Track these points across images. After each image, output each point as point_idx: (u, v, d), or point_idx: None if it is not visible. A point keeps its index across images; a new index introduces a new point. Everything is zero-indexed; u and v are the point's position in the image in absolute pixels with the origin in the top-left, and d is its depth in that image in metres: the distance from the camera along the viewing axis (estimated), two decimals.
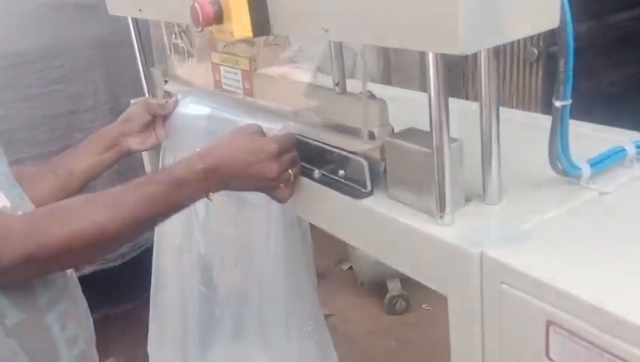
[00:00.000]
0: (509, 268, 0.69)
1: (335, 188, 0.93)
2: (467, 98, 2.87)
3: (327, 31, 0.81)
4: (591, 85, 3.88)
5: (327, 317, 2.94)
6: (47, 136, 2.63)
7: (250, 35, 0.91)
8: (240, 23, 0.90)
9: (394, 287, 2.65)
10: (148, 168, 1.64)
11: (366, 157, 0.89)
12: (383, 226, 0.85)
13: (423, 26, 0.66)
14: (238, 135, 0.96)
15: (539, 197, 0.82)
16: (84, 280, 1.19)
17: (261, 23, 0.91)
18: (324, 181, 0.96)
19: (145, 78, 1.55)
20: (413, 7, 0.66)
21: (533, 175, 0.87)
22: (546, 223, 0.76)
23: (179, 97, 1.32)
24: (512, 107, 3.06)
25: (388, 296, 2.69)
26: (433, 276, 0.79)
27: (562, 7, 0.69)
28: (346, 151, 0.92)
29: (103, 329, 1.34)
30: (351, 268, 2.99)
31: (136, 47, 1.53)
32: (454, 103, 0.76)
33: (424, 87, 0.74)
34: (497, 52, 0.74)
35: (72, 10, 2.56)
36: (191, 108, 1.28)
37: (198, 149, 0.94)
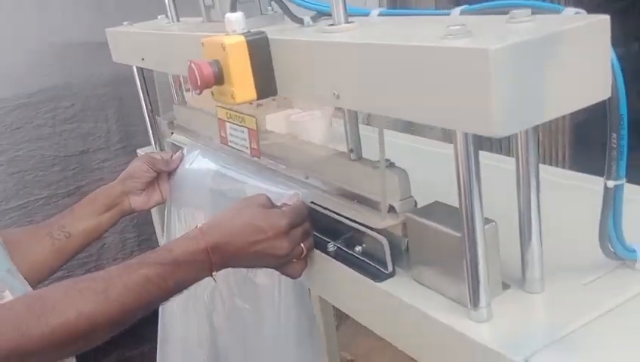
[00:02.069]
0: None
1: (351, 266, 0.83)
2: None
3: (338, 97, 0.71)
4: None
5: (348, 361, 2.82)
6: (58, 176, 2.57)
7: (255, 97, 0.82)
8: (242, 85, 0.81)
9: None
10: (156, 221, 1.56)
11: (386, 234, 0.79)
12: (407, 315, 0.74)
13: (449, 103, 0.56)
14: (244, 208, 0.86)
15: (589, 285, 0.71)
16: None
17: (266, 84, 0.83)
18: (340, 256, 0.86)
19: (151, 128, 1.48)
20: (437, 82, 0.56)
21: (579, 254, 0.76)
22: (600, 320, 0.65)
23: (184, 151, 1.24)
24: (537, 139, 2.89)
25: None
26: None
27: (614, 75, 0.59)
28: (363, 225, 0.82)
29: None
30: None
31: (141, 96, 1.47)
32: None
33: (447, 131, 0.64)
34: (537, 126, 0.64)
35: (83, 49, 2.51)
36: (197, 164, 1.20)
37: (199, 225, 0.85)
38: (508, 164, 0.90)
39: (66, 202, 2.47)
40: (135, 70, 1.44)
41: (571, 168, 1.44)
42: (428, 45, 0.57)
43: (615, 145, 0.62)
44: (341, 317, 2.88)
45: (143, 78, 1.45)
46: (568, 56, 0.55)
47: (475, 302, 0.67)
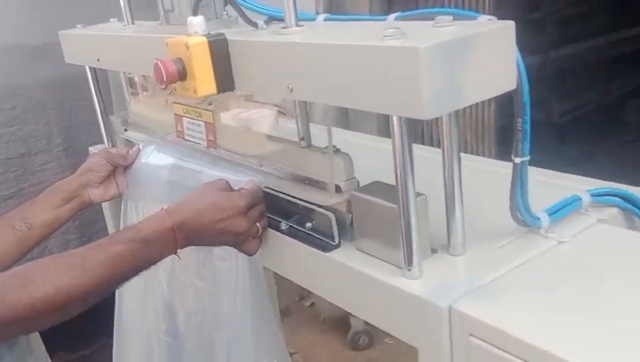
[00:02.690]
0: (476, 320, 0.71)
1: (302, 241, 0.94)
2: (424, 135, 2.94)
3: (292, 90, 0.82)
4: (543, 116, 4.04)
5: (291, 354, 2.92)
6: None
7: (215, 91, 0.92)
8: (204, 81, 0.91)
9: (357, 323, 2.66)
10: (108, 218, 1.62)
11: (333, 210, 0.91)
12: (352, 278, 0.86)
13: (387, 92, 0.68)
14: (206, 191, 0.96)
15: (502, 248, 0.85)
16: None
17: (225, 80, 0.93)
18: (292, 233, 0.97)
19: (104, 126, 1.54)
20: (378, 74, 0.69)
21: (496, 224, 0.89)
22: (509, 274, 0.79)
23: (140, 146, 1.31)
24: (466, 140, 3.16)
25: (351, 331, 2.70)
26: (403, 328, 0.81)
27: (518, 70, 0.72)
28: (313, 204, 0.93)
29: None
30: (313, 304, 2.99)
31: (94, 94, 1.53)
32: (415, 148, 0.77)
33: (381, 128, 0.77)
34: (457, 114, 0.77)
35: (25, 51, 2.53)
36: (153, 158, 1.28)
37: (165, 206, 0.94)
38: (437, 154, 1.04)
39: (8, 204, 2.48)
40: (88, 70, 1.50)
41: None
42: (370, 44, 0.69)
43: (520, 128, 0.76)
44: (284, 312, 2.99)
45: (96, 77, 1.51)
46: (482, 53, 0.69)
47: (408, 262, 0.79)
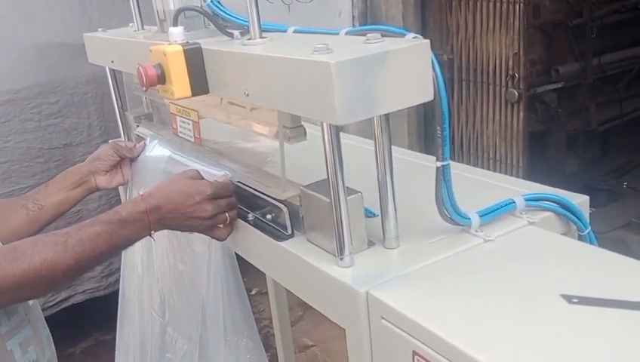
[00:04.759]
0: (385, 305, 0.80)
1: (262, 230, 1.04)
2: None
3: (248, 95, 0.93)
4: (583, 124, 4.01)
5: (309, 347, 3.02)
6: (42, 167, 2.77)
7: (190, 94, 1.03)
8: (180, 84, 1.02)
9: None
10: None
11: (288, 204, 1.00)
12: (296, 265, 0.96)
13: (312, 99, 0.78)
14: (177, 179, 1.07)
15: (433, 243, 0.93)
16: (77, 309, 1.26)
17: (199, 84, 1.04)
18: (256, 223, 1.08)
19: (121, 121, 1.68)
20: (305, 84, 0.78)
21: (435, 222, 0.97)
22: (431, 266, 0.87)
23: (146, 141, 1.44)
24: (495, 146, 3.21)
25: None
26: (333, 310, 0.90)
27: (437, 82, 0.80)
28: (271, 198, 1.03)
29: (94, 354, 1.41)
30: None
31: (112, 93, 1.67)
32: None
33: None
34: (387, 118, 0.85)
35: (69, 49, 2.72)
36: (155, 151, 1.40)
37: (141, 193, 1.06)
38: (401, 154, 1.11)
39: None
40: (107, 70, 1.64)
41: None
42: (298, 58, 0.79)
43: (440, 135, 0.84)
44: (306, 307, 3.10)
45: (115, 77, 1.66)
46: (396, 68, 0.77)
47: (340, 252, 0.88)
